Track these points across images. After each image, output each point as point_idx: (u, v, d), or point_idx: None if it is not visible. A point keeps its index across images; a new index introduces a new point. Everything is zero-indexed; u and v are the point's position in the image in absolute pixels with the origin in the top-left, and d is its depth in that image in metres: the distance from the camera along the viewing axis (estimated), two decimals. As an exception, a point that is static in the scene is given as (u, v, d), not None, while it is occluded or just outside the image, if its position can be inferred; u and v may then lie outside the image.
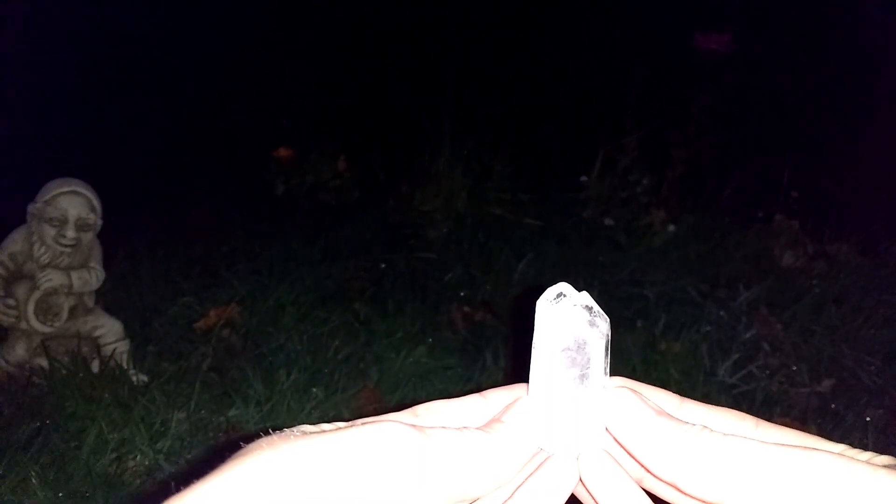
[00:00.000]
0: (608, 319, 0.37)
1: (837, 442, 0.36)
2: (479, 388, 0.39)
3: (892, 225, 2.88)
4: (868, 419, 2.06)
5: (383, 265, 2.78)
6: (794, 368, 2.25)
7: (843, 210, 2.91)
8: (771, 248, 2.92)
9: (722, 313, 2.47)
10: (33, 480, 1.64)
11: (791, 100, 3.77)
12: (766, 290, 2.61)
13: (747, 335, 2.37)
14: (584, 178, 3.21)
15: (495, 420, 0.37)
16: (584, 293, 0.38)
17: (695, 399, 0.40)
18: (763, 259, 2.88)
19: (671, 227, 3.01)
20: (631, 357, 2.21)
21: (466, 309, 2.51)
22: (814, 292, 2.59)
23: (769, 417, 2.08)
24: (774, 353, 2.31)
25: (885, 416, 2.09)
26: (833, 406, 2.12)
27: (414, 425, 0.34)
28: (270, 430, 0.33)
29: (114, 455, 1.76)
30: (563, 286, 0.38)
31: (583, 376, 0.36)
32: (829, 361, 2.30)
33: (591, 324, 0.36)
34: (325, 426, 0.35)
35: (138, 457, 1.78)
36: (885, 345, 2.38)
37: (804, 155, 3.13)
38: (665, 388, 0.39)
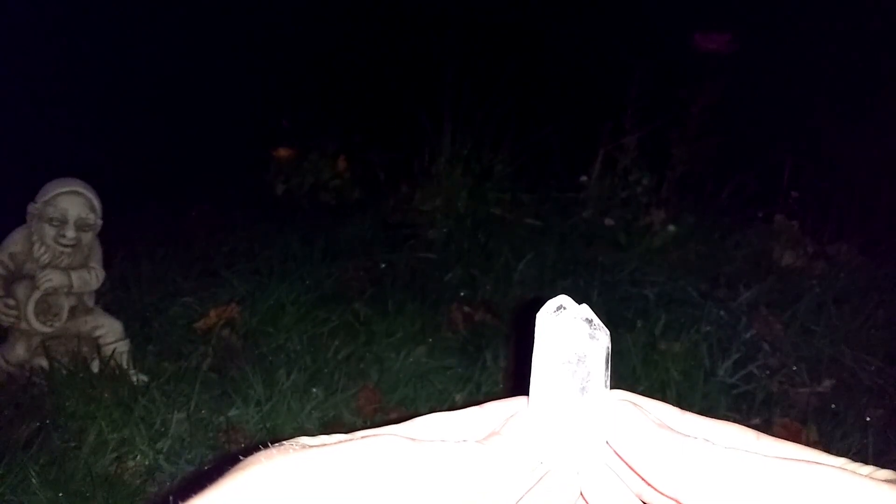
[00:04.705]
0: (608, 332, 0.37)
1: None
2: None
3: (892, 225, 2.88)
4: (868, 419, 2.06)
5: (383, 265, 2.78)
6: (794, 368, 2.25)
7: (843, 210, 2.91)
8: (771, 248, 2.92)
9: (722, 313, 2.47)
10: (33, 480, 1.64)
11: (791, 100, 3.77)
12: (766, 290, 2.61)
13: (747, 335, 2.37)
14: (584, 178, 3.21)
15: (494, 433, 0.37)
16: (585, 306, 0.37)
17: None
18: (763, 259, 2.88)
19: (671, 227, 3.01)
20: (631, 357, 2.21)
21: (466, 309, 2.51)
22: (814, 292, 2.59)
23: (769, 417, 2.08)
24: (774, 353, 2.31)
25: (885, 416, 2.10)
26: (833, 406, 2.12)
27: (412, 438, 0.34)
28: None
29: (114, 455, 1.76)
30: (563, 298, 0.37)
31: (583, 389, 0.36)
32: (829, 361, 2.30)
33: (592, 336, 0.36)
34: (325, 438, 0.35)
35: (138, 457, 1.78)
36: (885, 345, 2.38)
37: (804, 155, 3.12)
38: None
